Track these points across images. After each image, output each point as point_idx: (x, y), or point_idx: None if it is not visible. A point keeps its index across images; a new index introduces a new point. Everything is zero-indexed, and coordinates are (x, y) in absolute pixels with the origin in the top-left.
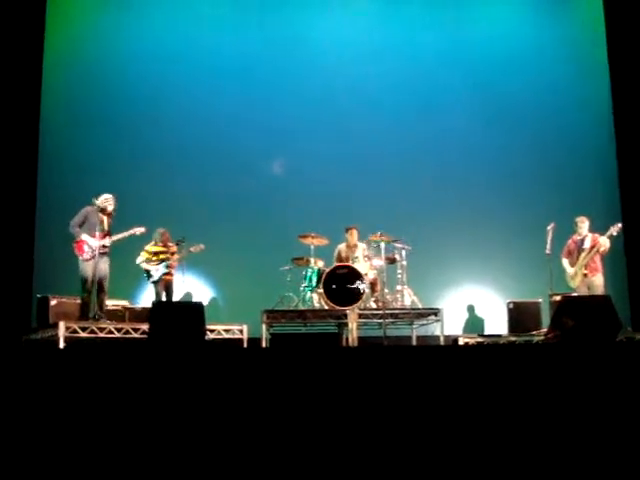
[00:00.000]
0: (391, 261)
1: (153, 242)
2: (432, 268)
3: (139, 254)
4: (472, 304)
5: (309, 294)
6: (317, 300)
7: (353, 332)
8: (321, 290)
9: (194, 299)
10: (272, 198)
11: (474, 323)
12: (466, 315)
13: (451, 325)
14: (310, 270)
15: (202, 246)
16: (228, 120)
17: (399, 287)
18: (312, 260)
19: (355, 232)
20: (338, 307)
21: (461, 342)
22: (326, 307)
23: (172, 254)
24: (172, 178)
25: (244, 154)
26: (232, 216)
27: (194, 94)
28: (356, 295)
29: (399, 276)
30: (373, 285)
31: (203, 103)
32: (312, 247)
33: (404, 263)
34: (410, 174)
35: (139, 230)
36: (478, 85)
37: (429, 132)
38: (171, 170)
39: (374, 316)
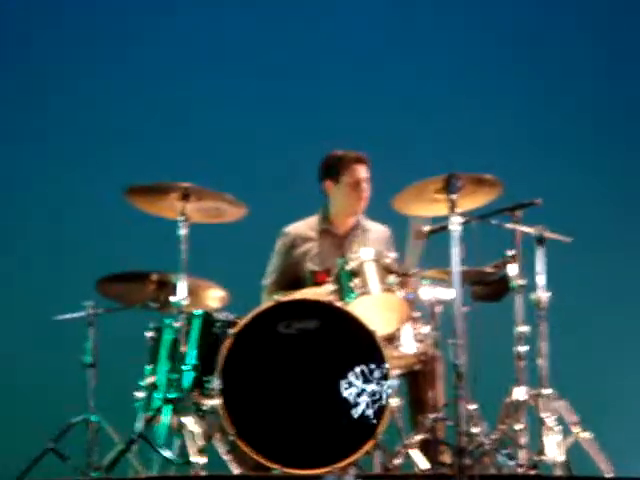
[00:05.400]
0: (498, 290)
1: None
2: None
3: None
4: None
5: (168, 417)
6: (199, 442)
7: None
8: (219, 401)
9: None
10: None
11: None
12: None
13: None
14: (174, 324)
15: None
16: None
17: (522, 391)
18: (179, 289)
19: (363, 170)
20: (287, 470)
21: None
22: (236, 470)
23: None
24: None
25: None
26: None
27: None
28: (363, 420)
29: (520, 349)
30: (424, 377)
31: None
32: (182, 229)
33: (544, 297)
34: None
35: None
36: None
37: None
38: None
39: None
